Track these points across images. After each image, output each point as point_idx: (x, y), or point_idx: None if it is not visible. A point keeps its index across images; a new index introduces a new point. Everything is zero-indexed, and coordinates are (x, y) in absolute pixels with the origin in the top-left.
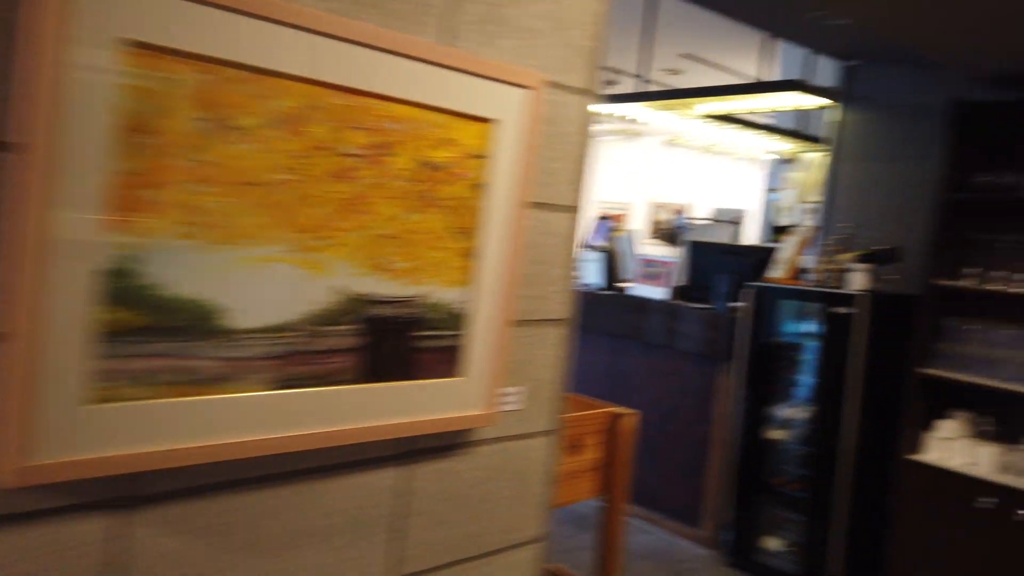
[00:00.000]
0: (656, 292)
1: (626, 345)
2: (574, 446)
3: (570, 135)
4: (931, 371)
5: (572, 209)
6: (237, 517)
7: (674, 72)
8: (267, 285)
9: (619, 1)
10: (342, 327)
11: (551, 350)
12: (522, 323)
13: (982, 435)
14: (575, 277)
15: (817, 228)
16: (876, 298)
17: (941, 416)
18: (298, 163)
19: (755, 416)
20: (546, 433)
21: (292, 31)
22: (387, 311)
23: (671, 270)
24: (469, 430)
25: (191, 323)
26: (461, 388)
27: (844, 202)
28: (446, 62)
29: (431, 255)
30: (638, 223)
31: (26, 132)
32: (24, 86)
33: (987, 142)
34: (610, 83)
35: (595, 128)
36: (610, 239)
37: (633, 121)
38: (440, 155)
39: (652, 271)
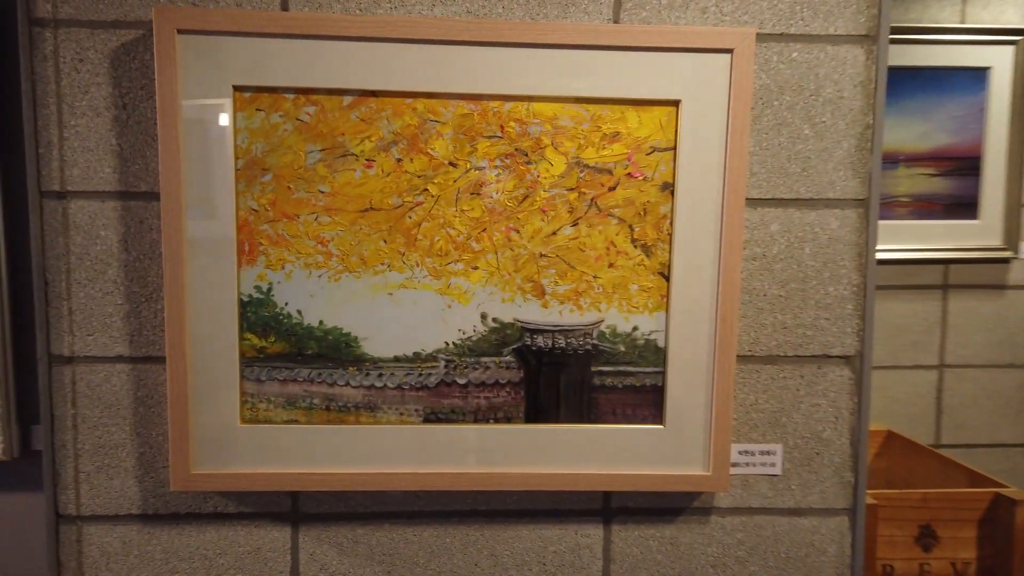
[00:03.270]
0: None
1: None
2: (925, 536)
3: (839, 102)
4: None
5: (857, 203)
6: (398, 549)
7: None
8: (402, 313)
9: None
10: (492, 359)
11: (831, 397)
12: (773, 360)
13: None
14: (870, 297)
15: None
16: None
17: None
18: (422, 183)
19: None
20: (834, 512)
21: (395, 46)
22: (548, 341)
23: None
24: (693, 494)
25: (329, 351)
26: (665, 439)
27: None
28: (600, 41)
29: (605, 275)
30: None
31: (166, 181)
32: (162, 141)
33: None
34: None
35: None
36: None
37: None
38: (605, 154)
39: None
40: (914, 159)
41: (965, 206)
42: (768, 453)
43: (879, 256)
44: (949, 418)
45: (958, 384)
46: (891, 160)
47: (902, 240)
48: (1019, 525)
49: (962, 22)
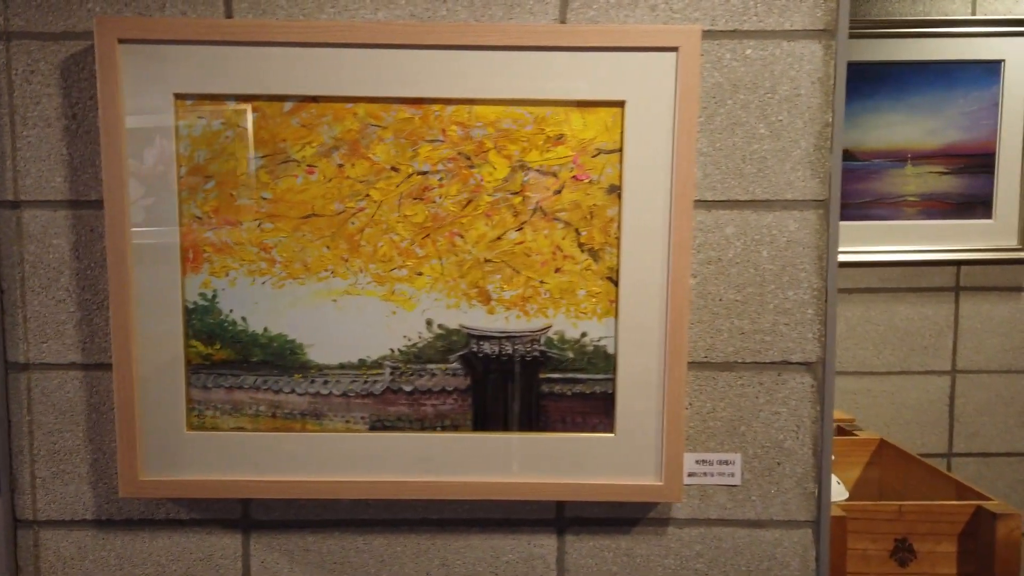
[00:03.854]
0: None
1: None
2: (901, 551)
3: (796, 99)
4: None
5: (816, 204)
6: (349, 557)
7: None
8: (346, 319)
9: None
10: (438, 366)
11: (791, 405)
12: (730, 366)
13: None
14: (831, 301)
15: None
16: None
17: None
18: (364, 188)
19: None
20: (797, 524)
21: (335, 51)
22: (494, 348)
23: None
24: (649, 504)
25: (274, 358)
26: (616, 447)
27: None
28: (541, 42)
29: (552, 280)
30: None
31: (110, 190)
32: (104, 150)
33: None
34: None
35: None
36: None
37: None
38: (549, 157)
39: None
40: (923, 157)
41: (978, 205)
42: (726, 463)
43: (888, 258)
44: (962, 426)
45: (971, 390)
46: (898, 158)
47: (911, 241)
48: (1000, 540)
49: (973, 14)
